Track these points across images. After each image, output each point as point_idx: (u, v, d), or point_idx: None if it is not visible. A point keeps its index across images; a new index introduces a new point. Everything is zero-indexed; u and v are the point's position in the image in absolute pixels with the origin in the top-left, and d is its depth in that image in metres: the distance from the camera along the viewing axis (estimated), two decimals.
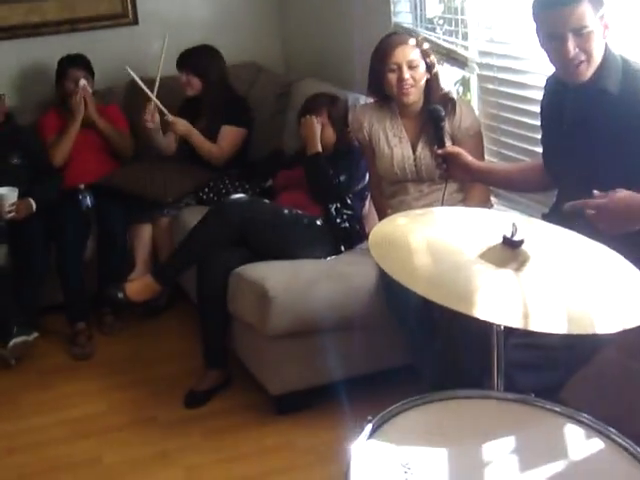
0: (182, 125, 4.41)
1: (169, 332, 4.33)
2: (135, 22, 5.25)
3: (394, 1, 4.30)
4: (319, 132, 3.86)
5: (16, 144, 4.55)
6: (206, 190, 4.48)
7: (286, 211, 3.76)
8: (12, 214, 4.24)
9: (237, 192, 4.21)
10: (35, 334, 4.07)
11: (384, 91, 3.61)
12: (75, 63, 4.66)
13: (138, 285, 3.81)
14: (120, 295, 3.77)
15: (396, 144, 3.64)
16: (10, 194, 4.25)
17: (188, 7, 5.33)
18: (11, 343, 4.00)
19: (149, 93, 4.36)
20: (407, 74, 3.49)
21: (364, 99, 3.96)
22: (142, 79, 4.38)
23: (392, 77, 3.51)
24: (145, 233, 4.50)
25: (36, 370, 4.03)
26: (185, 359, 3.94)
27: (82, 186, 4.51)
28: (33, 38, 5.07)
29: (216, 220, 3.70)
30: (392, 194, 3.71)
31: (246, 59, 5.17)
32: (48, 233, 4.36)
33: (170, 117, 4.39)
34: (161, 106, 4.40)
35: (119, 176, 4.58)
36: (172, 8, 5.28)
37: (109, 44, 4.78)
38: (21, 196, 4.30)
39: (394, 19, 4.32)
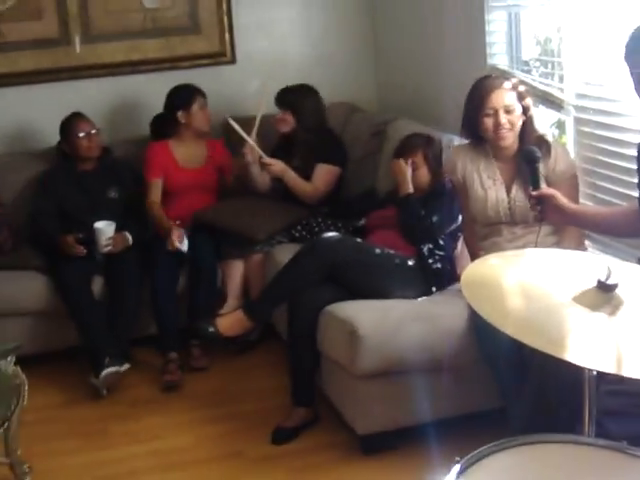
0: (278, 166, 4.48)
1: (258, 368, 4.33)
2: (233, 61, 5.34)
3: (490, 42, 4.29)
4: (409, 174, 3.85)
5: (113, 178, 4.68)
6: (299, 228, 4.50)
7: (378, 250, 3.76)
8: (109, 247, 4.36)
9: (330, 230, 4.21)
10: (126, 365, 4.15)
11: (478, 133, 3.60)
12: (201, 94, 4.74)
13: (229, 320, 3.84)
14: (211, 329, 3.80)
15: (490, 186, 3.61)
16: (107, 228, 4.37)
17: (285, 47, 5.40)
18: (103, 373, 4.07)
19: (246, 137, 4.49)
20: (504, 119, 3.47)
21: (457, 139, 3.95)
22: (237, 119, 4.47)
23: (488, 121, 3.50)
24: (237, 269, 4.53)
25: (127, 401, 4.09)
26: (273, 395, 3.95)
27: (178, 222, 4.58)
28: (133, 75, 5.21)
29: (308, 258, 3.72)
30: (485, 236, 3.68)
31: (341, 98, 5.21)
32: (143, 266, 4.45)
33: (267, 159, 4.47)
34: (258, 149, 4.50)
35: (213, 212, 4.64)
36: (270, 48, 5.36)
37: (208, 82, 4.84)
38: (117, 229, 4.41)
39: (489, 61, 4.30)
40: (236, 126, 4.52)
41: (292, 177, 4.52)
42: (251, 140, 4.50)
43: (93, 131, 4.65)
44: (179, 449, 3.60)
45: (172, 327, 4.39)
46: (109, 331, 4.27)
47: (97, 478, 3.43)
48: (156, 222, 4.59)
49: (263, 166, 4.52)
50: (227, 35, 5.30)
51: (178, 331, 4.40)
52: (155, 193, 4.67)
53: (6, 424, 2.85)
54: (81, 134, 4.61)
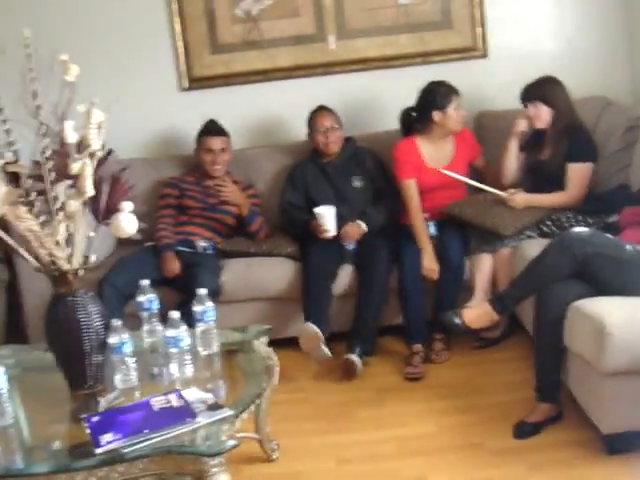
0: (521, 198, 4.45)
1: (502, 362, 4.31)
2: (484, 55, 5.33)
3: None
4: None
5: (357, 167, 4.82)
6: (548, 223, 4.43)
7: (629, 247, 3.65)
8: (331, 232, 4.53)
9: (579, 226, 4.14)
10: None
11: None
12: (457, 93, 4.71)
13: (476, 312, 3.85)
14: (457, 321, 3.82)
15: None
16: (327, 212, 4.51)
17: (538, 40, 5.32)
18: (346, 356, 4.26)
19: (478, 185, 4.57)
20: None
21: None
22: (487, 113, 4.51)
23: None
24: (486, 263, 4.52)
25: (372, 388, 4.18)
26: (516, 390, 3.92)
27: (427, 215, 4.63)
28: (385, 70, 5.32)
29: (557, 253, 3.65)
30: None
31: (593, 92, 5.07)
32: (392, 256, 4.53)
33: (504, 194, 4.46)
34: (495, 190, 4.53)
35: (461, 207, 4.65)
36: (522, 42, 5.30)
37: (458, 77, 4.84)
38: (357, 217, 4.59)
39: None
40: (454, 174, 4.60)
41: (539, 200, 4.47)
42: (475, 183, 4.58)
43: (334, 126, 4.81)
44: (420, 436, 3.64)
45: (418, 319, 4.45)
46: (358, 319, 4.43)
47: (340, 459, 3.53)
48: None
49: (505, 202, 4.50)
50: (478, 29, 5.28)
51: (424, 323, 4.46)
52: (409, 194, 4.70)
53: (257, 402, 2.98)
54: (321, 129, 4.80)
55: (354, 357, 4.29)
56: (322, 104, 4.92)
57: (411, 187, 4.68)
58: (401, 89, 4.88)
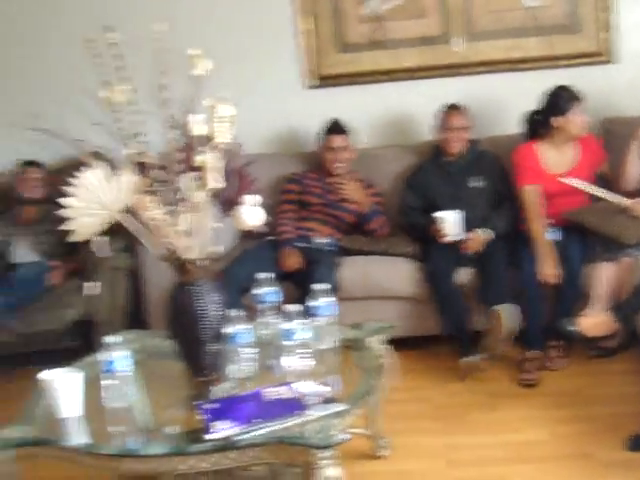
0: None
1: (618, 373, 4.23)
2: (609, 61, 5.23)
3: None
4: None
5: (478, 169, 4.81)
6: None
7: None
8: (450, 238, 4.53)
9: None
10: (480, 356, 4.24)
11: None
12: (579, 99, 4.63)
13: (593, 320, 3.80)
14: (573, 328, 3.78)
15: None
16: (447, 217, 4.49)
17: None
18: (462, 360, 4.28)
19: (598, 193, 4.50)
20: None
21: None
22: (614, 120, 4.44)
23: None
24: (606, 271, 4.42)
25: (486, 392, 4.17)
26: (631, 402, 3.84)
27: (551, 221, 4.58)
28: (511, 73, 5.27)
29: None
30: None
31: None
32: (511, 260, 4.50)
33: (627, 202, 4.37)
34: (617, 198, 4.44)
35: (583, 213, 4.57)
36: None
37: (584, 82, 4.76)
38: (478, 222, 4.57)
39: None
40: (572, 182, 4.54)
41: None
42: (595, 191, 4.51)
43: (464, 126, 4.82)
44: (531, 443, 3.61)
45: (536, 325, 4.39)
46: (466, 324, 4.42)
47: (450, 461, 3.53)
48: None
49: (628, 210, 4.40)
50: (604, 34, 5.18)
51: (542, 329, 4.41)
52: (529, 200, 4.64)
53: (370, 398, 3.00)
54: (451, 128, 4.83)
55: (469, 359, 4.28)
56: (455, 103, 4.92)
57: (531, 193, 4.62)
58: (526, 93, 4.80)
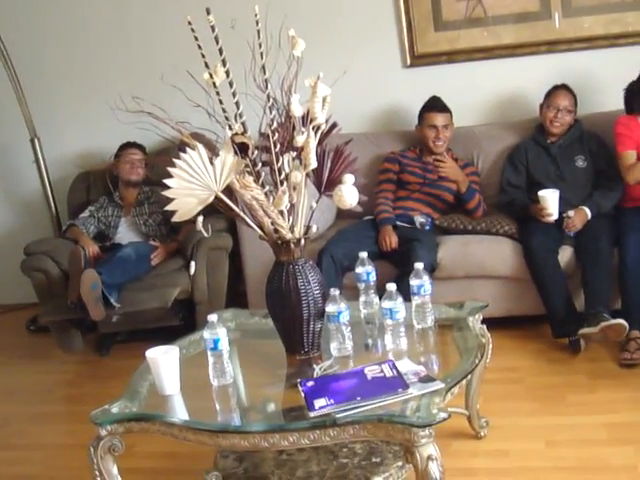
0: None
1: None
2: None
3: None
4: None
5: (581, 148, 4.74)
6: None
7: None
8: (552, 217, 4.45)
9: None
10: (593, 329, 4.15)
11: None
12: None
13: None
14: None
15: None
16: (550, 196, 4.42)
17: None
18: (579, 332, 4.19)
19: None
20: None
21: None
22: None
23: None
24: None
25: (585, 372, 4.10)
26: None
27: None
28: (611, 49, 5.15)
29: None
30: None
31: None
32: (614, 238, 4.42)
33: None
34: None
35: None
36: None
37: None
38: (580, 201, 4.54)
39: None
40: None
41: None
42: None
43: (568, 108, 4.75)
44: (632, 424, 3.54)
45: (638, 304, 4.32)
46: (569, 302, 4.35)
47: (550, 442, 3.49)
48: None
49: None
50: None
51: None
52: (628, 163, 4.54)
53: (468, 378, 2.99)
54: (555, 107, 4.76)
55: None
56: (564, 83, 4.85)
57: (631, 157, 4.53)
58: (625, 69, 4.69)
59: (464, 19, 5.28)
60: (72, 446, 3.85)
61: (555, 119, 4.76)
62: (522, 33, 5.22)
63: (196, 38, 2.75)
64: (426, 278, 3.21)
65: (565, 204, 4.51)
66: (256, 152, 2.85)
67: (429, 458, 2.48)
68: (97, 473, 2.78)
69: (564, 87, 4.82)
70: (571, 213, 4.49)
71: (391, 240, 4.62)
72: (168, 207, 2.78)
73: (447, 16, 5.30)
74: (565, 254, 4.49)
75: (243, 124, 2.84)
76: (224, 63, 2.76)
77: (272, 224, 2.92)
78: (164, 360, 2.87)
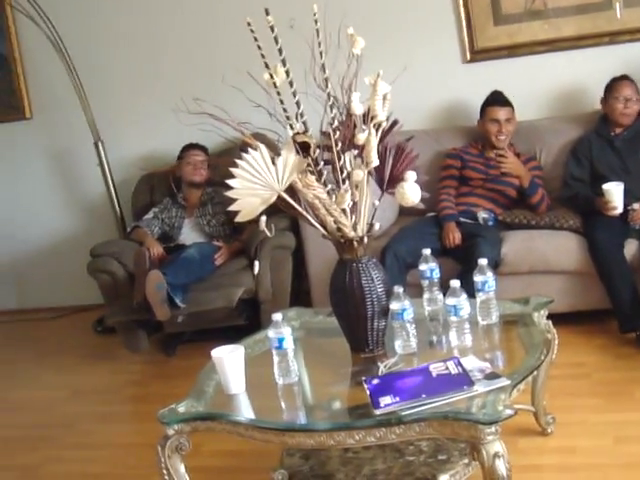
0: None
1: None
2: None
3: None
4: None
5: None
6: None
7: None
8: (617, 211, 4.37)
9: None
10: None
11: None
12: None
13: None
14: None
15: None
16: (615, 189, 4.36)
17: None
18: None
19: None
20: None
21: None
22: None
23: None
24: None
25: None
26: None
27: None
28: None
29: None
30: None
31: None
32: None
33: None
34: None
35: None
36: None
37: None
38: None
39: None
40: None
41: None
42: None
43: (633, 98, 4.70)
44: None
45: None
46: (636, 296, 4.28)
47: (618, 438, 3.44)
48: None
49: None
50: None
51: None
52: None
53: (535, 374, 2.97)
54: (620, 97, 4.70)
55: None
56: (625, 74, 4.78)
57: None
58: None
59: (524, 12, 5.23)
60: (139, 445, 3.89)
61: (625, 109, 4.69)
62: (583, 25, 5.15)
63: (256, 39, 2.76)
64: (490, 274, 3.19)
65: (630, 197, 4.45)
66: (318, 151, 2.85)
67: (495, 455, 2.47)
68: (165, 472, 2.80)
69: (626, 77, 4.75)
70: (636, 206, 4.43)
71: (454, 236, 4.61)
72: (231, 207, 2.80)
73: (507, 9, 5.26)
74: (631, 247, 4.42)
75: (304, 123, 2.85)
76: (284, 63, 2.78)
77: (335, 222, 2.93)
78: (230, 359, 2.89)
